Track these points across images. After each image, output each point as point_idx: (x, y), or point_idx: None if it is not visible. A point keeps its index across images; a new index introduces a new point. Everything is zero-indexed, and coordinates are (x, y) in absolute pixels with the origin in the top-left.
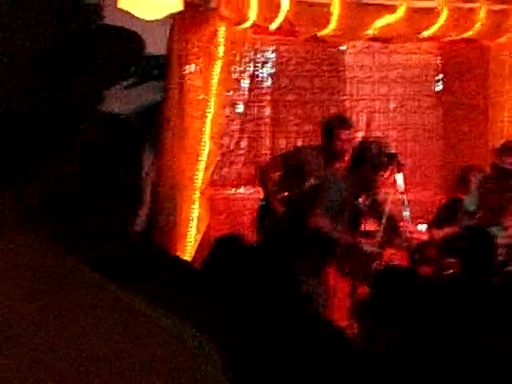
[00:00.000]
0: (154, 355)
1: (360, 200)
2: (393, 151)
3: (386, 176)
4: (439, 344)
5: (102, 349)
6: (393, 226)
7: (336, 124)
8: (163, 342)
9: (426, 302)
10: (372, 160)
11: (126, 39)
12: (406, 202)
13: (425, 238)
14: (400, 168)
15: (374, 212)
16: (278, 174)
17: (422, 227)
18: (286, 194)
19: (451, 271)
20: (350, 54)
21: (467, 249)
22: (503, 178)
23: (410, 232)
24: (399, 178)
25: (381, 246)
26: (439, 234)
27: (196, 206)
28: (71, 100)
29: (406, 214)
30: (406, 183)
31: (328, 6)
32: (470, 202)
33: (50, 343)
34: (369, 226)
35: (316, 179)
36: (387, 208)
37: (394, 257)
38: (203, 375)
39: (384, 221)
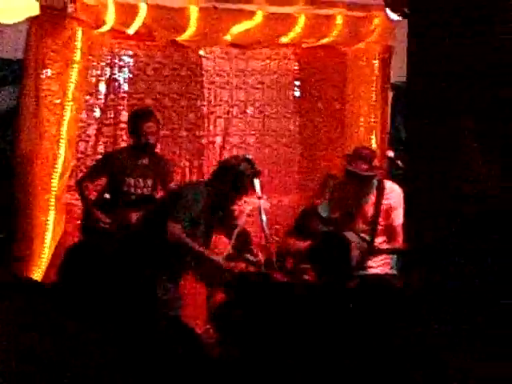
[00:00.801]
0: None
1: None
2: (250, 156)
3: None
4: (295, 349)
5: None
6: (244, 242)
7: (138, 117)
8: None
9: (282, 307)
10: (234, 179)
11: None
12: (262, 208)
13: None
14: (257, 174)
15: (227, 226)
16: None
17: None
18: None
19: (306, 277)
20: (208, 59)
21: (323, 254)
22: (356, 183)
23: (266, 237)
24: (256, 183)
25: (231, 259)
26: (298, 244)
27: (52, 211)
28: None
29: (263, 219)
30: (262, 189)
31: (186, 10)
32: (323, 208)
33: None
34: (220, 239)
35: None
36: (240, 222)
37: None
38: None
39: (235, 236)
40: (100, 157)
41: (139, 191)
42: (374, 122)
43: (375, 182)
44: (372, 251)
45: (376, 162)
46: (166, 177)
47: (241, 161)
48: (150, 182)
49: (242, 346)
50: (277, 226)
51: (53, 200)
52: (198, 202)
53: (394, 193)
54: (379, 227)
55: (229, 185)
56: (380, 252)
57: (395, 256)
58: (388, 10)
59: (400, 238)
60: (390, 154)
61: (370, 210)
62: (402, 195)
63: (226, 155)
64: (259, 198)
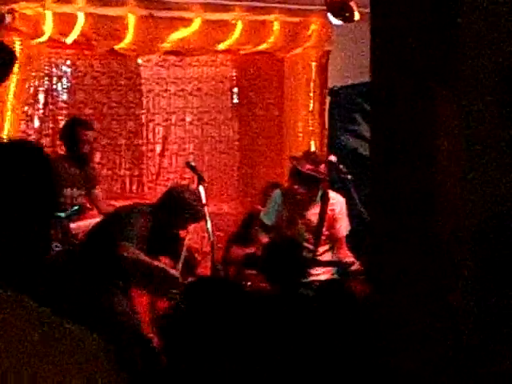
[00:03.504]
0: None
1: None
2: (193, 163)
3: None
4: (247, 357)
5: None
6: (190, 267)
7: (75, 125)
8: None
9: (235, 314)
10: (181, 211)
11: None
12: (207, 215)
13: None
14: (201, 181)
15: (172, 251)
16: None
17: None
18: None
19: (249, 284)
20: (146, 67)
21: (276, 259)
22: (303, 184)
23: (212, 244)
24: (200, 190)
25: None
26: (241, 251)
27: None
28: None
29: (208, 226)
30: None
31: (123, 19)
32: (266, 216)
33: None
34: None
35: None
36: (185, 247)
37: None
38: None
39: (182, 260)
40: None
41: (74, 201)
42: (313, 127)
43: (320, 191)
44: (315, 262)
45: (322, 168)
46: (90, 183)
47: (189, 193)
48: (82, 192)
49: (188, 353)
50: (218, 233)
51: None
52: (143, 226)
53: (338, 203)
54: (323, 237)
55: (174, 214)
56: (323, 264)
57: None
58: (329, 15)
59: (344, 248)
60: (333, 158)
61: (314, 219)
62: (345, 205)
63: (166, 163)
64: (204, 205)
